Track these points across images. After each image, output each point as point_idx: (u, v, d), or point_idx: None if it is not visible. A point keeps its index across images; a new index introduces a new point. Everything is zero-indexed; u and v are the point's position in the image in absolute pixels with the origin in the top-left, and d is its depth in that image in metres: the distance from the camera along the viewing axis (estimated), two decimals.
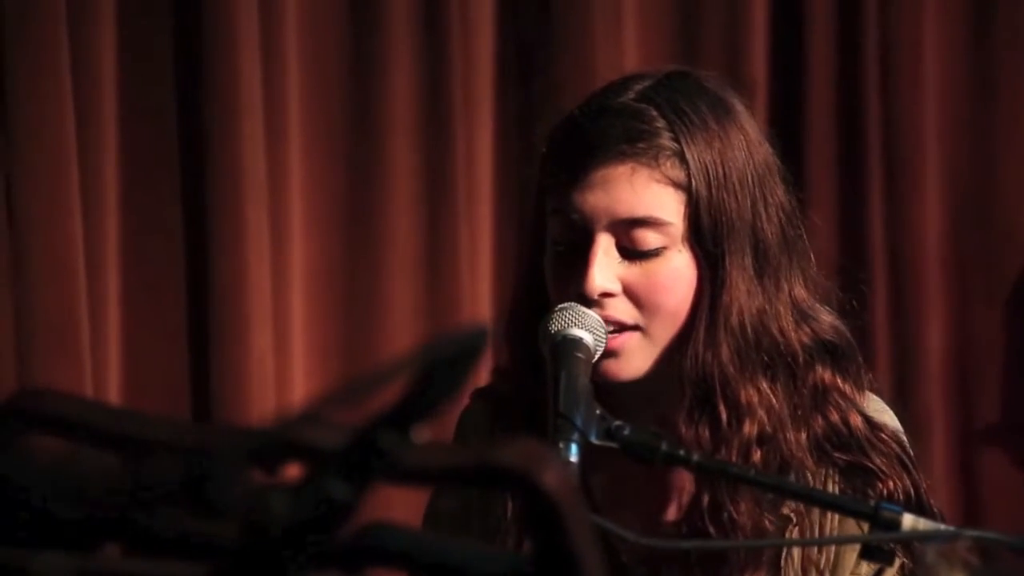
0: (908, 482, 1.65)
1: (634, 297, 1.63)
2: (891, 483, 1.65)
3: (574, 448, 1.43)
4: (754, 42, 3.10)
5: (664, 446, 1.44)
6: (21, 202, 2.60)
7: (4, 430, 0.80)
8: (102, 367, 2.67)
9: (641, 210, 1.62)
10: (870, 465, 1.66)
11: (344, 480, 0.82)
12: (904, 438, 1.70)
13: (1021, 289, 3.25)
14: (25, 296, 2.60)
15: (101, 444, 0.81)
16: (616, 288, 1.62)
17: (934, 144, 3.19)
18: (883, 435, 1.68)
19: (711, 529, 1.63)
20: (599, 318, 1.60)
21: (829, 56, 3.14)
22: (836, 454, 1.66)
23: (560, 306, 1.60)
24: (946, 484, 3.15)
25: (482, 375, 1.82)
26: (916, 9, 3.17)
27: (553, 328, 1.58)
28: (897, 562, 1.61)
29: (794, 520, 1.66)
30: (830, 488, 1.66)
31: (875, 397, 1.73)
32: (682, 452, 1.44)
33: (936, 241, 3.20)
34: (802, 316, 1.67)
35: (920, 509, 1.59)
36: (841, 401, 1.67)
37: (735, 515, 1.62)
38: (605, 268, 1.61)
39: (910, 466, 1.67)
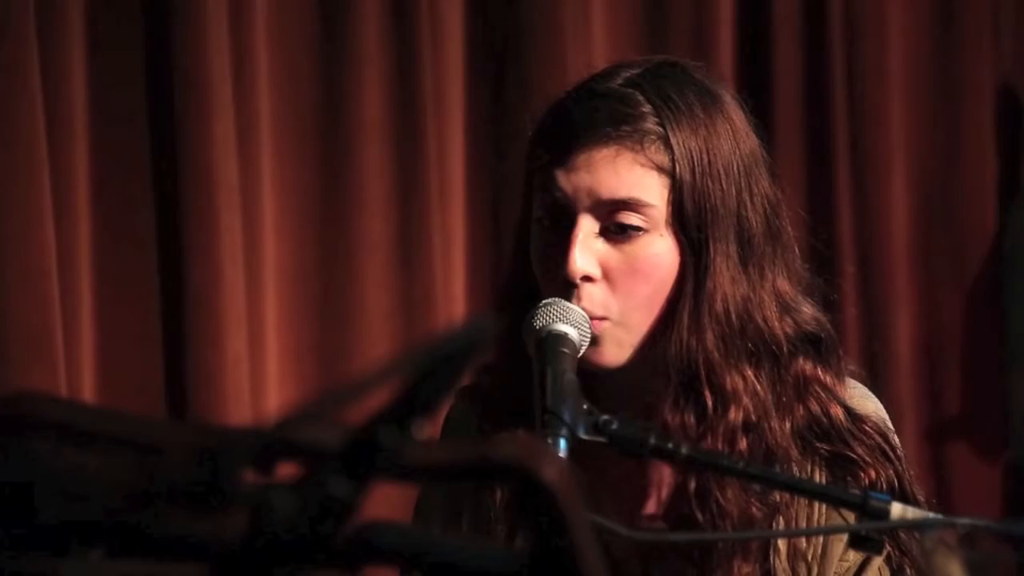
0: (891, 472, 1.66)
1: (612, 282, 1.63)
2: (873, 472, 1.65)
3: (563, 443, 1.43)
4: (721, 39, 3.12)
5: (653, 439, 1.44)
6: None
7: (5, 434, 0.80)
8: (76, 372, 2.66)
9: (623, 192, 1.62)
10: (852, 455, 1.66)
11: (345, 478, 0.81)
12: (888, 427, 1.71)
13: (986, 278, 3.28)
14: None
15: (101, 447, 0.80)
16: (596, 272, 1.62)
17: (900, 137, 3.22)
18: (865, 426, 1.68)
19: (698, 515, 1.63)
20: (583, 312, 1.60)
21: (795, 52, 3.16)
22: (818, 444, 1.67)
23: (544, 301, 1.60)
24: (916, 471, 3.17)
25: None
26: (881, 2, 3.20)
27: (538, 324, 1.58)
28: (884, 552, 1.62)
29: (782, 509, 1.66)
30: (816, 478, 1.66)
31: (857, 384, 1.74)
32: (670, 445, 1.44)
33: (903, 232, 3.23)
34: (785, 308, 1.67)
35: (904, 498, 1.59)
36: (822, 393, 1.68)
37: (722, 501, 1.63)
38: (586, 251, 1.62)
39: (892, 456, 1.67)
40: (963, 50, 3.25)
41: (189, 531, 0.76)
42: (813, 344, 1.69)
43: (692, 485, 1.64)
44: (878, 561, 1.64)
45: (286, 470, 0.83)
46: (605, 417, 1.45)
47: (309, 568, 0.84)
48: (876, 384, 3.12)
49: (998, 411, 3.27)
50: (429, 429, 0.85)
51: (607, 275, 1.63)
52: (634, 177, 1.62)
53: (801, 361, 1.67)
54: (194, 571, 0.76)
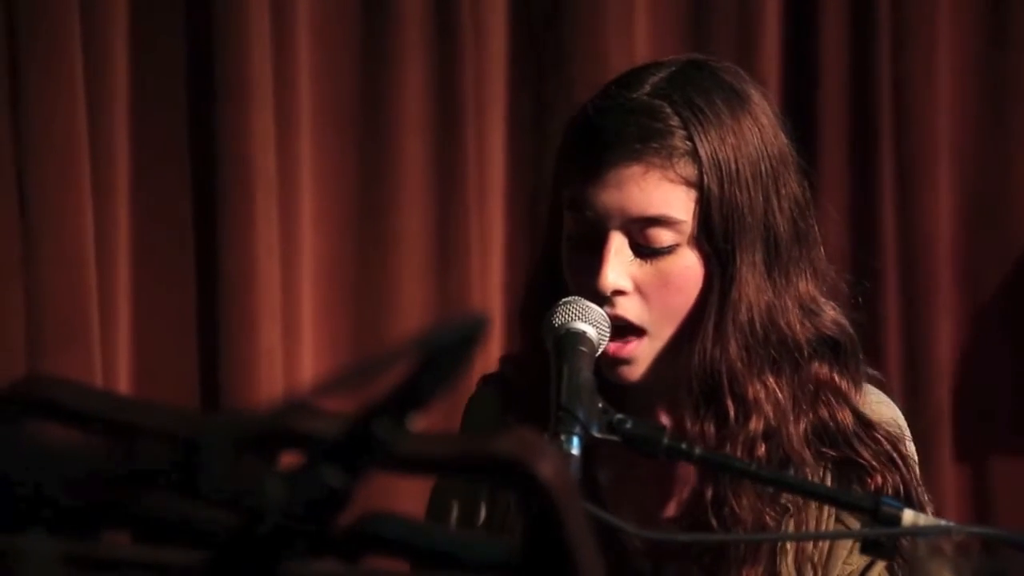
0: (898, 478, 1.66)
1: (645, 295, 1.64)
2: (880, 478, 1.66)
3: (576, 441, 1.44)
4: (766, 40, 3.10)
5: (666, 440, 1.44)
6: (32, 194, 2.61)
7: (3, 417, 0.81)
8: (112, 359, 2.68)
9: (653, 209, 1.62)
10: (859, 460, 1.67)
11: (340, 468, 0.82)
12: (900, 433, 1.70)
13: None
14: (36, 288, 2.61)
15: (95, 430, 0.81)
16: (628, 286, 1.63)
17: (946, 143, 3.19)
18: (876, 433, 1.69)
19: (713, 522, 1.64)
20: (603, 312, 1.61)
21: (841, 53, 3.13)
22: (824, 450, 1.68)
23: (564, 300, 1.61)
24: (956, 481, 3.15)
25: (493, 362, 1.83)
26: (930, 4, 3.17)
27: (556, 322, 1.59)
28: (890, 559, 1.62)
29: (791, 511, 1.66)
30: (826, 482, 1.67)
31: (874, 389, 1.74)
32: (684, 446, 1.44)
33: (948, 240, 3.20)
34: (807, 311, 1.68)
35: (910, 505, 1.59)
36: (833, 399, 1.68)
37: (737, 509, 1.63)
38: (618, 266, 1.63)
39: (900, 462, 1.67)
40: (1013, 51, 3.21)
41: (179, 517, 0.77)
42: (831, 348, 1.69)
43: (709, 493, 1.65)
44: (879, 567, 1.64)
45: (283, 458, 0.84)
46: (619, 416, 1.46)
47: (306, 558, 0.84)
48: (917, 394, 3.12)
49: None
50: (425, 421, 0.85)
51: (639, 289, 1.64)
52: (662, 193, 1.62)
53: (817, 365, 1.68)
54: (181, 557, 0.77)
